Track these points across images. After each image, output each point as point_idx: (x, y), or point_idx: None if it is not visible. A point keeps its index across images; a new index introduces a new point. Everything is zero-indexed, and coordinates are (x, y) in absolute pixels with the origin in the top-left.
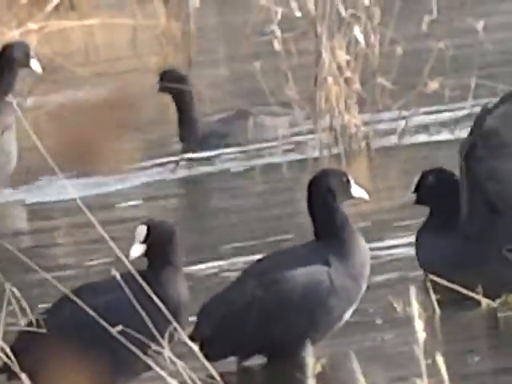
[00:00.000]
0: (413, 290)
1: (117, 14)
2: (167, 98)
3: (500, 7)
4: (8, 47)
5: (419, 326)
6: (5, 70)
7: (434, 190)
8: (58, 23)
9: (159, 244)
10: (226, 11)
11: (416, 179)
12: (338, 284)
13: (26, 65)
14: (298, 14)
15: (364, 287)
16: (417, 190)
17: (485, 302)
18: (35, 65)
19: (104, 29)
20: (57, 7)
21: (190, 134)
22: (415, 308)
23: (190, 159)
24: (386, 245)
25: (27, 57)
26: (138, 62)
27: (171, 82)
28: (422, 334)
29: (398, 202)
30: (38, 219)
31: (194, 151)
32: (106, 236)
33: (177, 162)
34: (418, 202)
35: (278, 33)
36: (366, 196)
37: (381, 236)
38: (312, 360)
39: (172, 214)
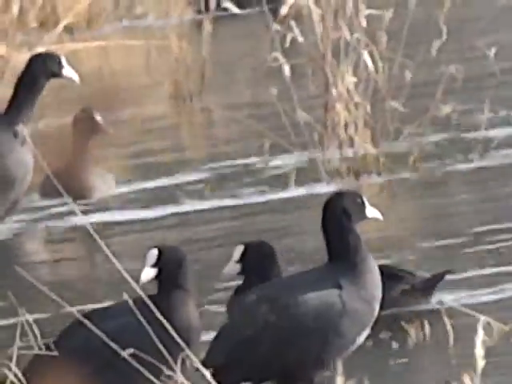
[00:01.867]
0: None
1: (131, 36)
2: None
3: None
4: (36, 57)
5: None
6: (28, 85)
7: (257, 261)
8: (70, 45)
9: (170, 268)
10: (238, 36)
11: (239, 250)
12: (351, 307)
13: (59, 75)
14: (301, 39)
15: (377, 310)
16: (241, 260)
17: (496, 326)
18: (70, 73)
19: (118, 50)
20: (69, 28)
21: None
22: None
23: None
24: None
25: (60, 66)
26: (151, 86)
27: None
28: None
29: (222, 274)
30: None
31: None
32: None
33: None
34: (243, 272)
35: (281, 59)
36: (380, 217)
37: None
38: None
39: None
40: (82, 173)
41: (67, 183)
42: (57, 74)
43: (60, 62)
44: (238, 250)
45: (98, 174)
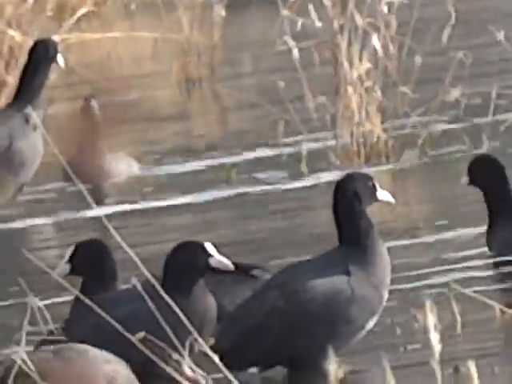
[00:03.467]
0: (428, 303)
1: (140, 24)
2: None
3: None
4: (40, 43)
5: (435, 338)
6: (36, 70)
7: (87, 261)
8: (80, 35)
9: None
10: (249, 21)
11: (70, 250)
12: (359, 293)
13: (56, 61)
14: (319, 24)
15: (385, 296)
16: (70, 260)
17: (506, 311)
18: (59, 59)
19: (127, 39)
20: (80, 18)
21: None
22: (431, 321)
23: None
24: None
25: (56, 52)
26: (160, 73)
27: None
28: (437, 347)
29: (55, 272)
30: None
31: None
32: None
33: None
34: (72, 272)
35: (291, 44)
36: (391, 199)
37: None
38: (334, 369)
39: None
40: (94, 158)
41: (80, 169)
42: (55, 60)
43: (57, 49)
44: (69, 251)
45: (113, 158)
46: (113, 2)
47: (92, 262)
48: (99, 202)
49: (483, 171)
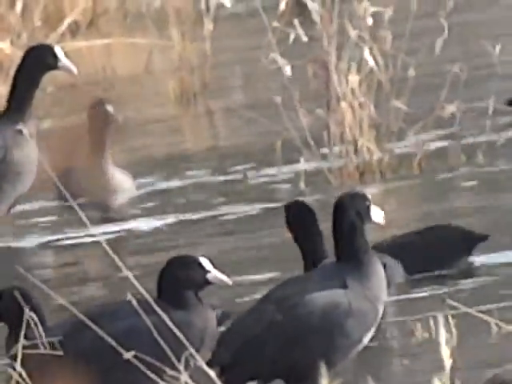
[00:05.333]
0: (440, 317)
1: (135, 36)
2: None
3: None
4: (31, 49)
5: (446, 353)
6: (26, 78)
7: (8, 310)
8: (73, 44)
9: (7, 312)
10: (241, 34)
11: None
12: (356, 307)
13: (55, 67)
14: (305, 39)
15: (381, 311)
16: None
17: (500, 325)
18: (67, 65)
19: (121, 49)
20: (73, 27)
21: None
22: (442, 336)
23: None
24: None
25: (55, 58)
26: (153, 85)
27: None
28: (448, 362)
29: None
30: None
31: None
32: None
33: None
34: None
35: (279, 60)
36: (381, 221)
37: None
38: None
39: None
40: (102, 171)
41: (87, 183)
42: (53, 67)
43: (55, 54)
44: None
45: (118, 172)
46: (105, 14)
47: (13, 311)
48: (105, 218)
49: (296, 217)
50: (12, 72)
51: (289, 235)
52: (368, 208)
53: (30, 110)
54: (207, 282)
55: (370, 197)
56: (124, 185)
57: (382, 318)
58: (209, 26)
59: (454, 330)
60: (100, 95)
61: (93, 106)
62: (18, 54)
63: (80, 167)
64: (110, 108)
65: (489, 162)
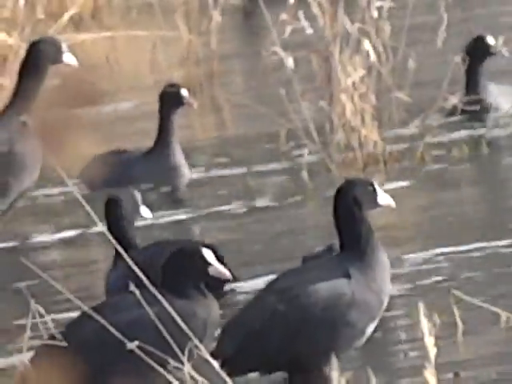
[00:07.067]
0: (421, 306)
1: (139, 28)
2: None
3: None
4: (36, 43)
5: (430, 342)
6: (32, 72)
7: None
8: (77, 36)
9: None
10: (246, 27)
11: None
12: (360, 297)
13: (59, 60)
14: (310, 31)
15: (385, 301)
16: None
17: (504, 315)
18: (69, 58)
19: (125, 41)
20: (77, 19)
21: None
22: (424, 325)
23: None
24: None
25: (59, 51)
26: (159, 77)
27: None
28: (433, 351)
29: None
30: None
31: None
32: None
33: None
34: None
35: (281, 53)
36: (392, 203)
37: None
38: (336, 374)
39: None
40: (171, 154)
41: (153, 166)
42: (57, 60)
43: (60, 48)
44: None
45: (182, 156)
46: (109, 6)
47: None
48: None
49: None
50: (16, 65)
51: (292, 227)
52: (371, 194)
53: (34, 103)
54: (208, 275)
55: (373, 182)
56: (187, 169)
57: (386, 310)
58: (217, 18)
59: (459, 321)
60: (103, 87)
61: (167, 88)
62: (22, 47)
63: (141, 150)
64: (183, 91)
65: (492, 153)
